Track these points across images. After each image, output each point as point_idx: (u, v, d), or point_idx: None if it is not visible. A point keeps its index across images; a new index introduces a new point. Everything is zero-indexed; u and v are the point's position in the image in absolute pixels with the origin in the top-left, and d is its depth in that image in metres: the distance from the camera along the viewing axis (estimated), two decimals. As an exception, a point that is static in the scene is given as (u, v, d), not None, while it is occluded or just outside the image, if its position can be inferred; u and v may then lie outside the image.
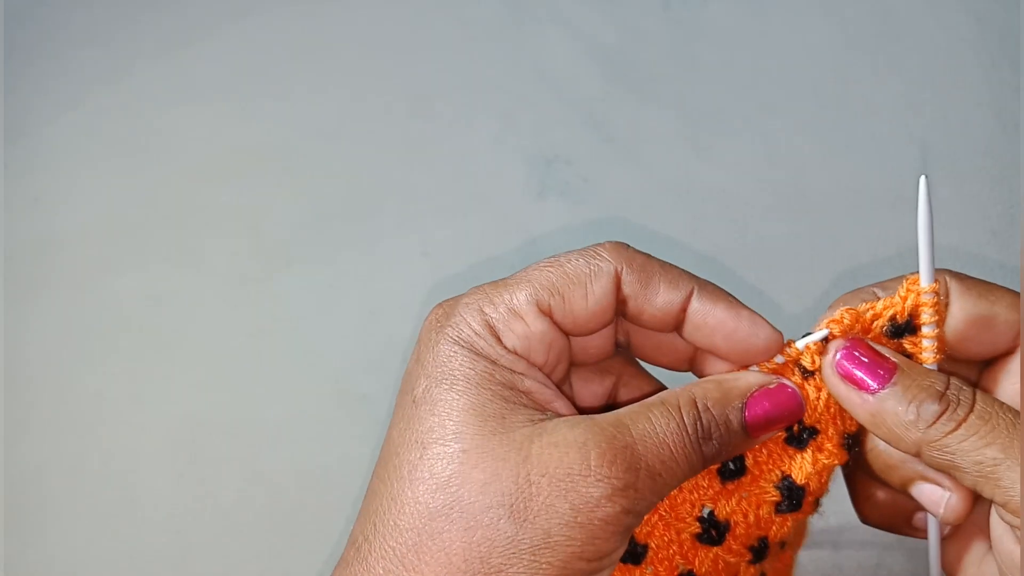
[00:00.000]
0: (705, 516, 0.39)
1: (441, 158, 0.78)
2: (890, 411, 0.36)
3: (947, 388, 0.36)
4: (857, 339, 0.38)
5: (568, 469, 0.34)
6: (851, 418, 0.39)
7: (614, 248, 0.38)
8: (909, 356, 0.39)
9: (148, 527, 0.66)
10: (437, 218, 0.76)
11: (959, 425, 0.35)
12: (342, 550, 0.37)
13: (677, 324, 0.39)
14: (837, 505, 0.42)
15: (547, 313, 0.38)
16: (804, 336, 0.39)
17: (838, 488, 0.42)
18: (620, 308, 0.39)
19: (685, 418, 0.36)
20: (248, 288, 0.74)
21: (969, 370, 0.41)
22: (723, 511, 0.39)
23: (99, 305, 0.73)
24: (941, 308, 0.38)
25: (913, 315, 0.38)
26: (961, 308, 0.38)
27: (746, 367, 0.39)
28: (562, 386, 0.40)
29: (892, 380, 0.37)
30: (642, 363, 0.43)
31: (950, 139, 0.76)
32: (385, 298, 0.73)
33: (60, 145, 0.80)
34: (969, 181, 0.75)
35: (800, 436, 0.39)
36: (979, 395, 0.36)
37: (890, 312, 0.38)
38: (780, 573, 0.43)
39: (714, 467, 0.39)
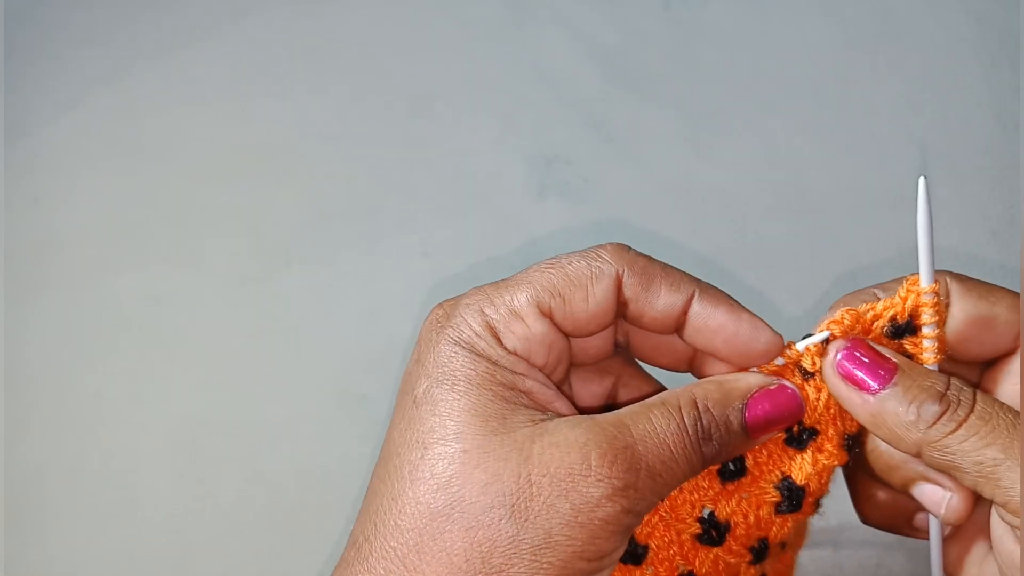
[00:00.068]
0: (705, 517, 0.39)
1: (441, 158, 0.78)
2: (891, 411, 0.37)
3: (947, 389, 0.37)
4: (858, 339, 0.38)
5: (569, 469, 0.34)
6: (851, 419, 0.39)
7: (615, 250, 0.38)
8: (910, 357, 0.39)
9: (148, 527, 0.66)
10: (437, 218, 0.76)
11: (959, 426, 0.36)
12: (342, 550, 0.37)
13: (678, 326, 0.39)
14: (837, 505, 0.42)
15: (548, 315, 0.38)
16: (804, 338, 0.39)
17: (838, 488, 0.42)
18: (621, 310, 0.39)
19: (686, 418, 0.36)
20: (248, 288, 0.74)
21: (970, 371, 0.41)
22: (723, 512, 0.39)
23: (99, 305, 0.73)
24: (941, 308, 0.38)
25: (913, 315, 0.38)
26: (962, 309, 0.38)
27: (746, 369, 0.39)
28: (562, 386, 0.40)
29: (893, 381, 0.37)
30: (641, 363, 0.43)
31: (950, 139, 0.76)
32: (385, 298, 0.73)
33: (60, 145, 0.80)
34: (969, 181, 0.75)
35: (800, 437, 0.39)
36: (979, 395, 0.36)
37: (890, 313, 0.38)
38: (781, 574, 0.43)
39: (714, 468, 0.39)
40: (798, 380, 0.39)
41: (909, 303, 0.38)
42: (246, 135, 0.80)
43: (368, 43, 0.83)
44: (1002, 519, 0.37)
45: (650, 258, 0.39)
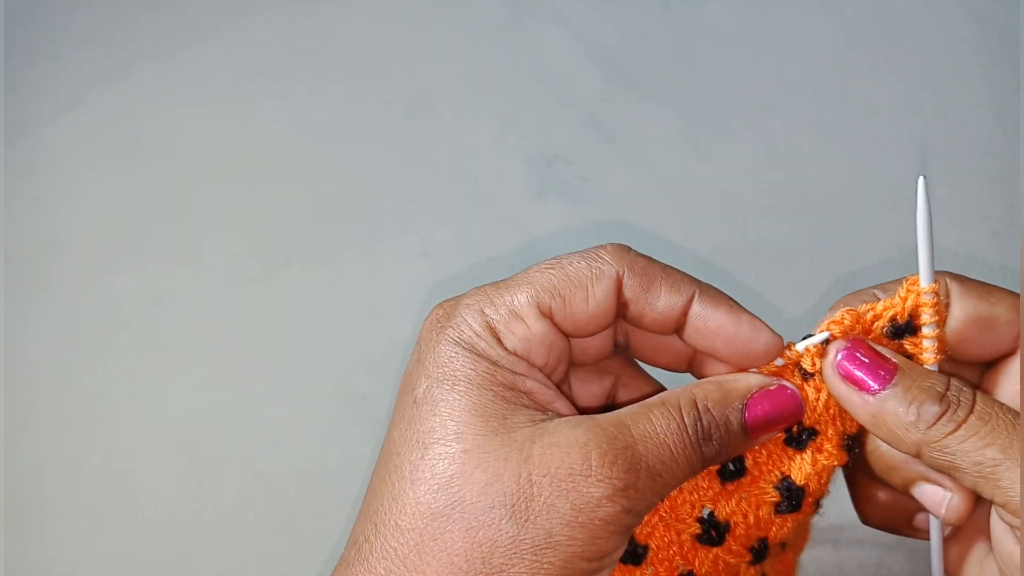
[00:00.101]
0: (705, 517, 0.39)
1: (441, 158, 0.78)
2: (890, 412, 0.37)
3: (947, 389, 0.37)
4: (858, 340, 0.38)
5: (569, 469, 0.34)
6: (850, 419, 0.39)
7: (616, 251, 0.38)
8: (910, 357, 0.39)
9: (148, 527, 0.66)
10: (437, 218, 0.76)
11: (959, 426, 0.36)
12: (342, 550, 0.37)
13: (678, 327, 0.39)
14: (837, 505, 0.42)
15: (548, 315, 0.38)
16: (804, 338, 0.39)
17: (838, 488, 0.42)
18: (621, 311, 0.39)
19: (686, 419, 0.36)
20: (248, 288, 0.74)
21: (970, 372, 0.41)
22: (723, 512, 0.39)
23: (99, 305, 0.73)
24: (941, 309, 0.38)
25: (913, 316, 0.38)
26: (962, 309, 0.38)
27: (746, 369, 0.39)
28: (561, 386, 0.40)
29: (893, 381, 0.37)
30: (640, 363, 0.43)
31: (950, 139, 0.76)
32: (385, 298, 0.73)
33: (60, 145, 0.80)
34: (969, 181, 0.75)
35: (799, 437, 0.39)
36: (979, 396, 0.36)
37: (890, 313, 0.38)
38: (781, 574, 0.43)
39: (714, 468, 0.39)
40: (798, 380, 0.39)
41: (909, 303, 0.38)
42: (246, 135, 0.80)
43: (368, 43, 0.83)
44: (1002, 519, 0.37)
45: (650, 259, 0.39)
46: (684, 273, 0.39)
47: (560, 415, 0.37)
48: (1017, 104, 0.76)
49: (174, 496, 0.67)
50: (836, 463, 0.39)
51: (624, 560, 0.39)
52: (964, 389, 0.37)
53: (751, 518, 0.39)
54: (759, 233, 0.74)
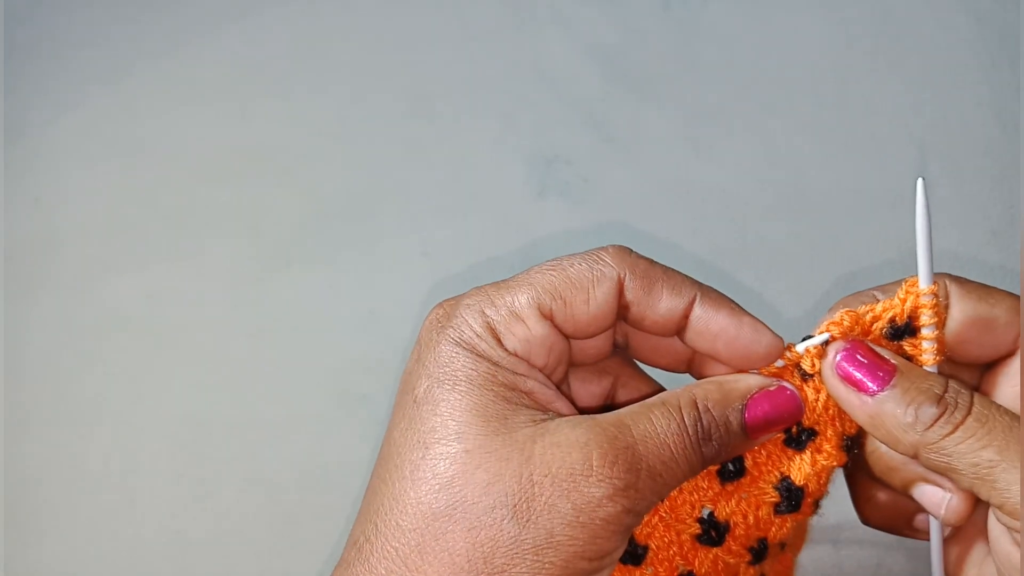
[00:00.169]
0: (705, 517, 0.39)
1: (441, 158, 0.78)
2: (889, 413, 0.37)
3: (945, 391, 0.37)
4: (857, 341, 0.38)
5: (570, 469, 0.34)
6: (850, 420, 0.39)
7: (617, 253, 0.38)
8: (909, 358, 0.39)
9: (148, 527, 0.66)
10: (437, 218, 0.76)
11: (956, 428, 0.36)
12: (342, 550, 0.37)
13: (678, 329, 0.39)
14: (837, 504, 0.42)
15: (548, 317, 0.38)
16: (804, 339, 0.39)
17: (838, 488, 0.42)
18: (622, 313, 0.39)
19: (686, 419, 0.36)
20: (248, 288, 0.74)
21: (970, 373, 0.41)
22: (723, 512, 0.39)
23: (99, 305, 0.73)
24: (940, 310, 0.38)
25: (912, 317, 0.38)
26: (961, 310, 0.38)
27: (746, 370, 0.39)
28: (561, 386, 0.40)
29: (891, 382, 0.37)
30: (640, 364, 0.43)
31: (950, 139, 0.76)
32: (385, 298, 0.73)
33: (60, 145, 0.79)
34: (969, 181, 0.75)
35: (799, 438, 0.39)
36: (977, 398, 0.37)
37: (889, 314, 0.38)
38: (780, 574, 0.43)
39: (714, 468, 0.39)
40: (797, 381, 0.39)
41: (908, 305, 0.38)
42: (246, 135, 0.80)
43: (368, 43, 0.83)
44: (999, 520, 0.37)
45: (652, 261, 0.39)
46: (685, 276, 0.39)
47: (561, 415, 0.37)
48: (1017, 104, 0.76)
49: (174, 496, 0.67)
50: (835, 464, 0.39)
51: (624, 560, 0.39)
52: (962, 391, 0.37)
53: (751, 518, 0.39)
54: (759, 233, 0.74)
